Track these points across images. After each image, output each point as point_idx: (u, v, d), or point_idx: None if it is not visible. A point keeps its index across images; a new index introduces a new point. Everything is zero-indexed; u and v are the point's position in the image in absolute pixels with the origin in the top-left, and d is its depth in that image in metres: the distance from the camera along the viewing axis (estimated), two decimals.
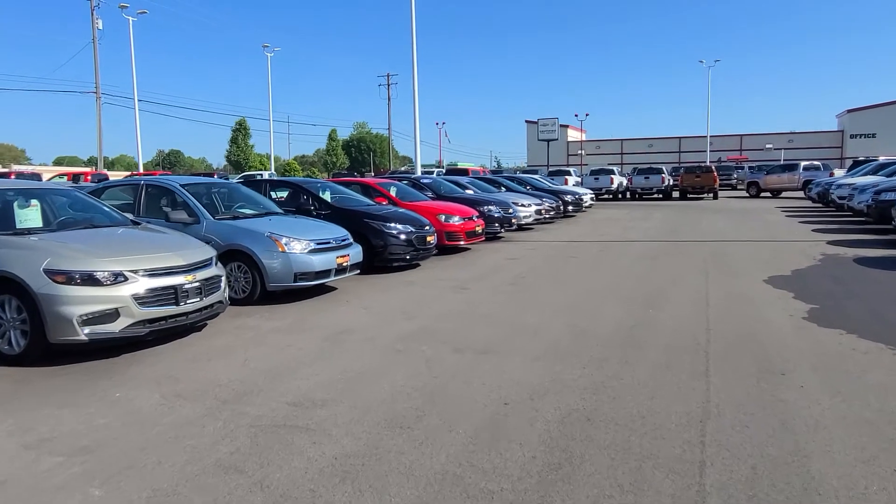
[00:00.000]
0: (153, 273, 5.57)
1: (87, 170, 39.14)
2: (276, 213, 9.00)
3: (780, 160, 50.70)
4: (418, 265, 11.21)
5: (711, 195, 34.34)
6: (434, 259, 11.90)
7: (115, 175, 38.18)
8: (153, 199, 8.52)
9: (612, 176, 35.84)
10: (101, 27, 46.90)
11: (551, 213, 20.35)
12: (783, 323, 6.37)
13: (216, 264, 6.41)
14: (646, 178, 35.32)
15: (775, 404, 4.15)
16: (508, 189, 21.10)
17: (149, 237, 6.43)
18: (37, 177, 26.63)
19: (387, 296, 8.35)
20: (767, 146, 68.62)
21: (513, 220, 15.74)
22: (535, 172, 40.55)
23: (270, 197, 10.99)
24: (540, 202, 18.80)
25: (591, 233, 16.93)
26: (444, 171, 41.04)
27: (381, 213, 10.56)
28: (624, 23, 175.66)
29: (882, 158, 28.99)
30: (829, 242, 13.16)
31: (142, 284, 5.43)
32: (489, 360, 5.31)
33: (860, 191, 17.25)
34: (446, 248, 12.72)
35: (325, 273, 8.02)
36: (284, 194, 11.59)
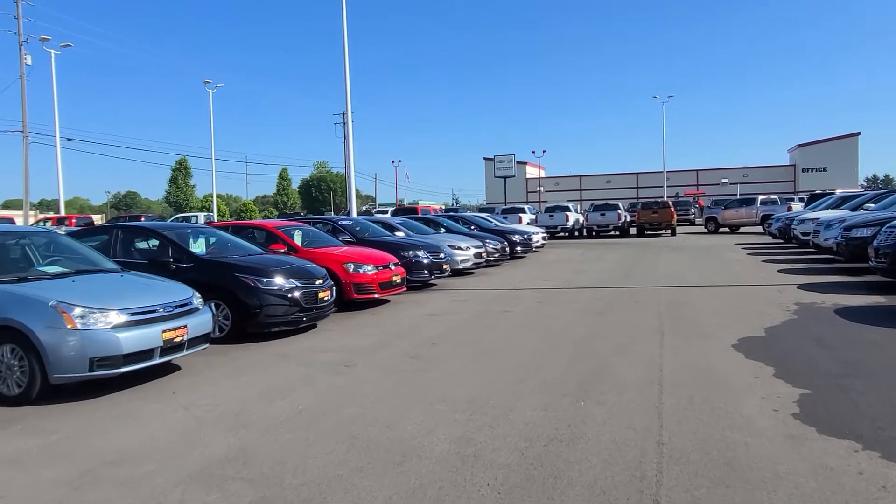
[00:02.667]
0: None
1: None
2: (95, 271, 6.77)
3: (736, 195, 50.35)
4: (314, 326, 9.08)
5: (669, 231, 33.06)
6: (339, 317, 9.78)
7: (38, 218, 35.03)
8: None
9: (568, 213, 34.33)
10: (29, 63, 44.38)
11: (496, 255, 18.46)
12: (767, 426, 4.40)
13: None
14: (602, 214, 33.91)
15: None
16: (449, 230, 19.19)
17: None
18: None
19: (235, 382, 6.15)
20: (723, 181, 68.94)
21: (444, 266, 13.73)
22: (492, 210, 39.13)
23: (123, 246, 8.76)
24: (480, 244, 16.87)
25: (537, 278, 15.02)
26: (393, 210, 39.14)
27: (258, 266, 8.41)
28: (580, 57, 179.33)
29: (840, 192, 28.15)
30: (801, 287, 11.46)
31: None
32: None
33: (826, 226, 15.79)
34: (355, 302, 10.61)
35: (143, 355, 5.80)
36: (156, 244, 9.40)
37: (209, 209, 67.87)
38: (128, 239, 8.88)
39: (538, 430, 4.49)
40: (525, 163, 74.24)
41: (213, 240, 9.63)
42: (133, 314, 5.80)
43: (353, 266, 10.54)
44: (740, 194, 47.68)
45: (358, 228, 14.13)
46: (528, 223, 32.94)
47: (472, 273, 16.44)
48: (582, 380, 5.80)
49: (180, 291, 6.60)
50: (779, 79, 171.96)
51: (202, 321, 6.53)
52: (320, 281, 8.76)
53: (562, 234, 34.72)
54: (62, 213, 35.76)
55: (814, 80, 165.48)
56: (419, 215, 23.06)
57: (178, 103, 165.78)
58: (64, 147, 44.10)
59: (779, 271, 14.30)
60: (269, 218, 61.93)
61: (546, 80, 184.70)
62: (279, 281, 8.23)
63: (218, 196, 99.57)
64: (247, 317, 7.99)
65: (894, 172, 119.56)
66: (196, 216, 36.41)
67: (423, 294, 12.51)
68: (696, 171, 73.64)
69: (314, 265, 9.25)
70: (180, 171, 67.47)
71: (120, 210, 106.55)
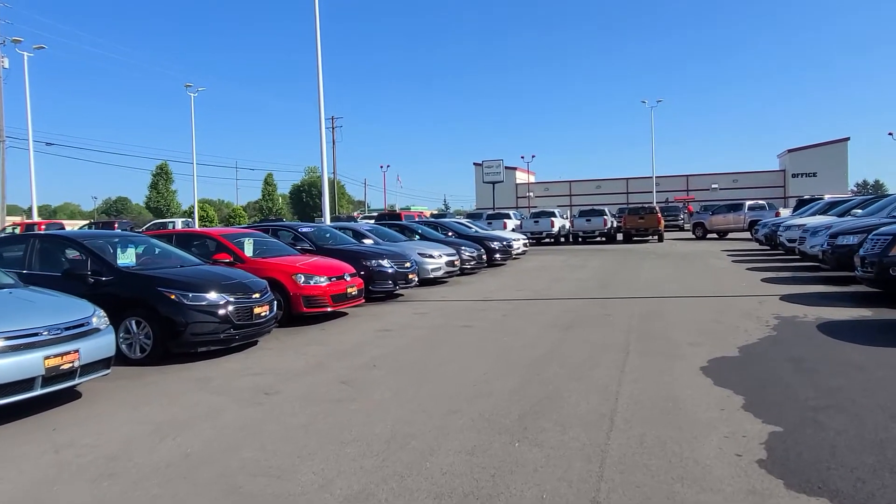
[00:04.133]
0: None
1: None
2: None
3: (727, 200, 49.86)
4: (255, 343, 8.34)
5: (656, 237, 32.46)
6: (285, 332, 9.06)
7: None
8: None
9: (553, 219, 33.65)
10: (6, 66, 43.50)
11: (472, 262, 17.76)
12: (726, 477, 3.68)
13: None
14: (587, 220, 33.31)
15: None
16: (424, 236, 18.48)
17: None
18: None
19: (132, 415, 5.38)
20: (713, 186, 68.58)
21: (410, 276, 12.98)
22: (480, 216, 38.36)
23: (40, 257, 7.98)
24: (453, 252, 16.16)
25: (510, 288, 14.31)
26: (376, 216, 38.39)
27: (184, 279, 7.65)
28: (573, 62, 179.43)
29: (828, 197, 27.70)
30: (783, 298, 10.79)
31: None
32: None
33: (812, 233, 15.16)
34: (306, 316, 9.86)
35: (19, 386, 5.03)
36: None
37: (182, 215, 66.76)
38: (45, 249, 8.10)
39: (455, 481, 3.77)
40: (515, 168, 73.66)
41: (147, 250, 8.88)
42: (8, 338, 5.05)
43: (302, 277, 9.80)
44: (727, 199, 47.16)
45: (320, 236, 13.39)
46: (513, 229, 32.30)
47: (446, 282, 15.75)
48: (525, 412, 5.07)
49: (77, 310, 5.85)
50: (769, 84, 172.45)
51: (101, 344, 5.77)
52: (257, 295, 8.01)
53: (547, 240, 34.10)
54: (35, 218, 34.79)
55: (804, 85, 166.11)
56: (396, 222, 22.26)
57: (167, 108, 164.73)
58: (44, 152, 43.12)
59: (762, 280, 13.65)
60: (258, 223, 60.80)
61: (540, 87, 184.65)
62: (208, 295, 7.48)
63: (209, 202, 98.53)
64: (170, 335, 7.23)
65: (884, 177, 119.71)
66: (173, 222, 35.47)
67: (385, 306, 11.78)
68: (687, 176, 73.20)
69: (254, 277, 8.49)
70: (161, 177, 66.30)
71: (110, 216, 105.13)
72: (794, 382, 5.66)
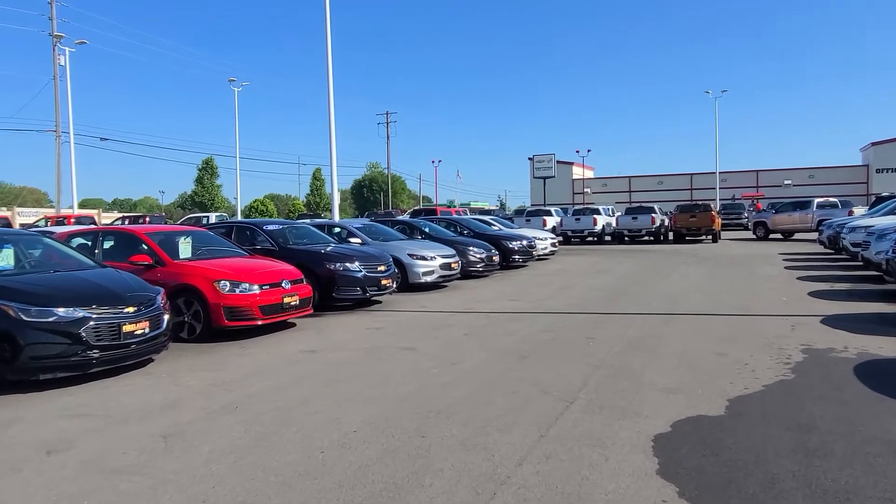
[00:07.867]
0: None
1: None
2: None
3: (799, 197, 45.66)
4: (148, 361, 6.98)
5: (710, 238, 29.56)
6: (197, 348, 7.69)
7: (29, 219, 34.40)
8: None
9: (596, 216, 31.25)
10: (62, 63, 44.59)
11: (480, 265, 16.03)
12: None
13: None
14: (633, 218, 30.69)
15: None
16: (429, 235, 16.80)
17: None
18: None
19: None
20: (786, 182, 63.86)
21: (384, 281, 11.33)
22: (522, 213, 36.46)
23: None
24: (452, 254, 14.38)
25: (507, 296, 12.47)
26: (411, 212, 37.06)
27: (34, 289, 6.27)
28: (644, 59, 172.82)
29: None
30: (825, 320, 8.55)
31: None
32: None
33: (878, 237, 12.60)
34: (230, 330, 8.41)
35: None
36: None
37: (256, 210, 67.51)
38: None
39: None
40: (571, 163, 70.89)
41: (33, 252, 7.64)
42: None
43: (227, 285, 8.34)
44: (800, 196, 43.09)
45: (287, 235, 11.94)
46: (552, 227, 30.24)
47: (445, 287, 14.08)
48: None
49: None
50: (852, 73, 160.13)
51: None
52: (131, 309, 6.57)
53: (591, 239, 31.78)
54: (75, 211, 35.27)
55: (889, 75, 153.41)
56: (401, 219, 20.67)
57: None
58: (99, 147, 43.91)
59: (809, 294, 11.28)
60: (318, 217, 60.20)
61: (605, 81, 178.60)
62: (60, 310, 6.08)
63: (275, 196, 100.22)
64: (3, 359, 5.88)
65: None
66: (207, 217, 35.20)
67: (343, 317, 10.22)
68: (756, 171, 68.32)
69: (143, 288, 7.09)
70: (206, 171, 67.21)
71: (185, 209, 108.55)
72: (781, 475, 3.70)
